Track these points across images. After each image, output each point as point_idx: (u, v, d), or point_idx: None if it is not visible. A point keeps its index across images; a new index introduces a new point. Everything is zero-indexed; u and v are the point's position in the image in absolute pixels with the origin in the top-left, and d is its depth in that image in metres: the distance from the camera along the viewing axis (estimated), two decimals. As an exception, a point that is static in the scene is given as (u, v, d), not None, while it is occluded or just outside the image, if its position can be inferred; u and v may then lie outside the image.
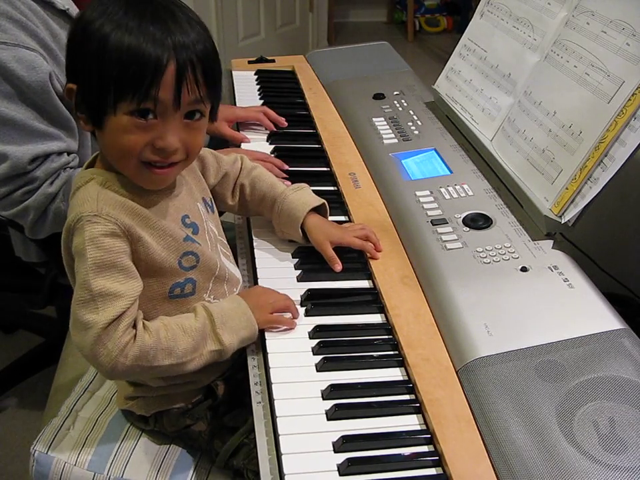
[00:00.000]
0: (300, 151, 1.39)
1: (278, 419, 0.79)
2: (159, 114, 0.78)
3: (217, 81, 0.83)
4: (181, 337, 0.84)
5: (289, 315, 0.93)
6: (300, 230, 1.04)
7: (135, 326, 0.81)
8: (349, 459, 0.75)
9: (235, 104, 1.56)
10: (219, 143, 1.43)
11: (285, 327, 0.92)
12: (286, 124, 1.45)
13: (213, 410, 0.98)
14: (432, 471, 0.75)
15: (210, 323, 0.87)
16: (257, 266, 1.04)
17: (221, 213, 1.08)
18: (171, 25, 0.77)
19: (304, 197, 1.06)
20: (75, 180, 0.87)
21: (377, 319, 0.95)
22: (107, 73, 0.76)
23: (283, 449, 0.76)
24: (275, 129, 1.43)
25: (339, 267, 1.01)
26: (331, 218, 1.09)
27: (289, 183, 1.16)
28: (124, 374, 0.83)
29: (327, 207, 1.08)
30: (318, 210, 1.06)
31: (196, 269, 0.91)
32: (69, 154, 1.16)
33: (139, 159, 0.80)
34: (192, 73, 0.78)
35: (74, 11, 1.17)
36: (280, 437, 0.77)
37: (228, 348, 0.87)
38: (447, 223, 1.06)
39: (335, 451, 0.76)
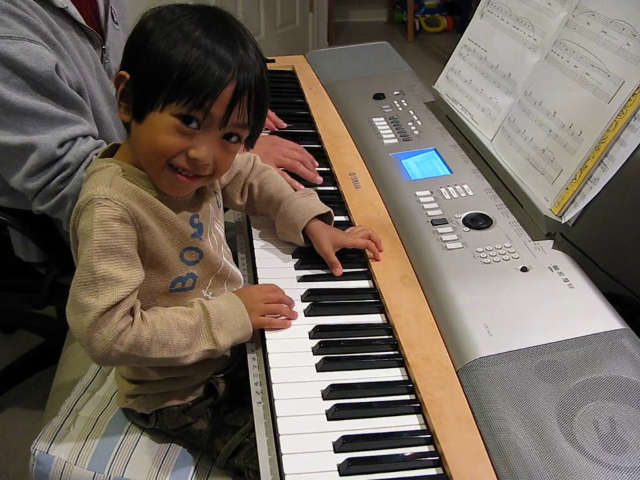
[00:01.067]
0: (300, 151, 1.38)
1: (278, 419, 0.79)
2: (203, 126, 0.80)
3: (263, 112, 0.86)
4: (176, 333, 0.84)
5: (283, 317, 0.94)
6: (301, 235, 1.04)
7: (132, 314, 0.82)
8: (349, 459, 0.75)
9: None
10: None
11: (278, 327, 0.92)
12: (285, 125, 1.45)
13: (214, 408, 0.98)
14: (432, 471, 0.75)
15: (206, 321, 0.87)
16: (257, 266, 1.04)
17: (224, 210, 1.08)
18: (239, 49, 0.80)
19: (311, 203, 1.06)
20: (90, 166, 0.87)
21: (377, 319, 0.95)
22: (168, 72, 0.77)
23: (283, 449, 0.76)
24: (274, 130, 1.43)
25: (340, 271, 1.02)
26: (331, 219, 1.09)
27: (320, 178, 1.23)
28: (115, 361, 0.83)
29: (332, 215, 1.08)
30: (323, 218, 1.06)
31: (198, 264, 0.91)
32: (95, 138, 1.16)
33: (168, 161, 0.81)
34: (247, 98, 0.81)
35: (72, 9, 1.16)
36: (280, 437, 0.77)
37: (221, 348, 0.88)
38: (447, 222, 1.06)
39: (335, 451, 0.76)
